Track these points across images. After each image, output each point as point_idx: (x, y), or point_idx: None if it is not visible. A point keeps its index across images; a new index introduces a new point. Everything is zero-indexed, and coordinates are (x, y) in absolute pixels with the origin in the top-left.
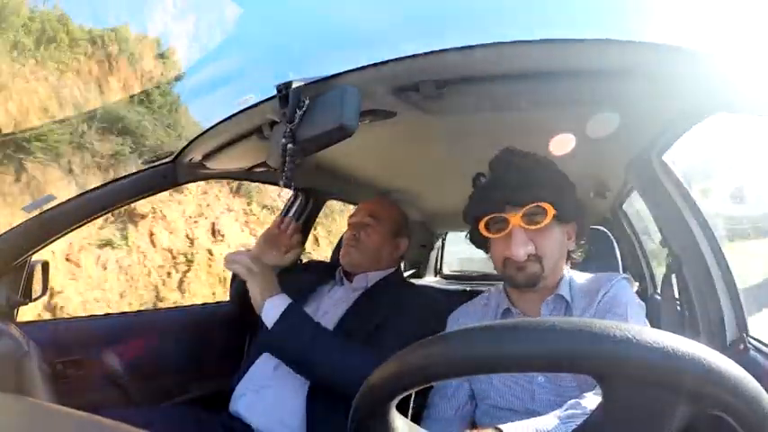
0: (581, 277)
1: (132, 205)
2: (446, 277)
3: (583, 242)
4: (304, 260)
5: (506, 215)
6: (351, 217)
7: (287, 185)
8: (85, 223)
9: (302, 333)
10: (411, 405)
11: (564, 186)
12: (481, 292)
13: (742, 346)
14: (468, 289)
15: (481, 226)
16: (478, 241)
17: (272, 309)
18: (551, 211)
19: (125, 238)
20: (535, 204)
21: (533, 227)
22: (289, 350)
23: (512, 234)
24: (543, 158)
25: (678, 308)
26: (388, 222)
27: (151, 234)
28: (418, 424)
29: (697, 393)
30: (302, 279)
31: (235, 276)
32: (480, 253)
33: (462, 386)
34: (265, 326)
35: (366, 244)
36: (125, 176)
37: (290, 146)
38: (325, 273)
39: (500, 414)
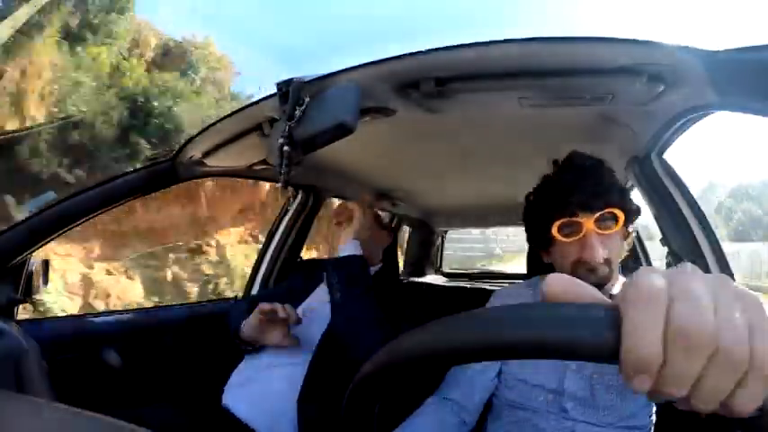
0: None
1: None
2: (446, 275)
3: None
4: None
5: (580, 219)
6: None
7: (284, 186)
8: (85, 221)
9: None
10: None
11: (627, 193)
12: (481, 289)
13: None
14: (468, 286)
15: (554, 229)
16: (541, 241)
17: None
18: (622, 218)
19: None
20: (608, 210)
21: (605, 232)
22: None
23: (587, 238)
24: (609, 165)
25: None
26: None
27: None
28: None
29: None
30: (296, 279)
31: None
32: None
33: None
34: None
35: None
36: (125, 174)
37: (286, 148)
38: (314, 269)
39: (526, 389)
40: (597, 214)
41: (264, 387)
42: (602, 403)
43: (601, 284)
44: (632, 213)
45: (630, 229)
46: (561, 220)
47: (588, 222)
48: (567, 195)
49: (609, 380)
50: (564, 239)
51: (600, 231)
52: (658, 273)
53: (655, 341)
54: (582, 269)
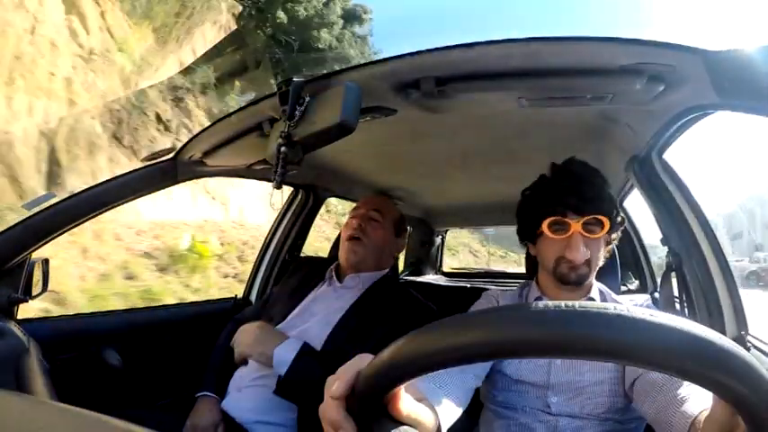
0: (616, 296)
1: None
2: (446, 275)
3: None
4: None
5: (569, 220)
6: (354, 210)
7: (277, 188)
8: (86, 221)
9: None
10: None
11: (616, 204)
12: (482, 288)
13: (742, 345)
14: (468, 286)
15: (545, 225)
16: (530, 235)
17: (285, 353)
18: (607, 225)
19: None
20: (595, 216)
21: (590, 236)
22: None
23: (572, 238)
24: (604, 176)
25: (677, 306)
26: (391, 219)
27: None
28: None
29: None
30: (295, 278)
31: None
32: None
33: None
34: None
35: (372, 238)
36: (125, 173)
37: (283, 148)
38: (315, 270)
39: (520, 388)
40: (585, 218)
41: (261, 393)
42: (588, 396)
43: (580, 282)
44: (617, 224)
45: (613, 237)
46: (552, 218)
47: (576, 224)
48: (560, 196)
49: (597, 373)
50: (552, 235)
51: (585, 234)
52: None
53: None
54: (564, 266)
